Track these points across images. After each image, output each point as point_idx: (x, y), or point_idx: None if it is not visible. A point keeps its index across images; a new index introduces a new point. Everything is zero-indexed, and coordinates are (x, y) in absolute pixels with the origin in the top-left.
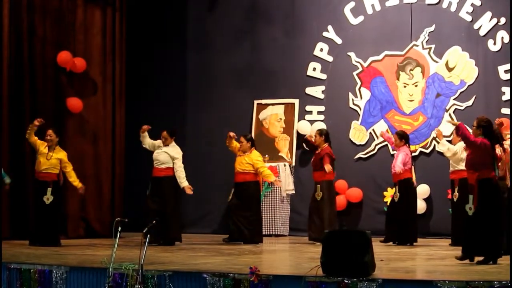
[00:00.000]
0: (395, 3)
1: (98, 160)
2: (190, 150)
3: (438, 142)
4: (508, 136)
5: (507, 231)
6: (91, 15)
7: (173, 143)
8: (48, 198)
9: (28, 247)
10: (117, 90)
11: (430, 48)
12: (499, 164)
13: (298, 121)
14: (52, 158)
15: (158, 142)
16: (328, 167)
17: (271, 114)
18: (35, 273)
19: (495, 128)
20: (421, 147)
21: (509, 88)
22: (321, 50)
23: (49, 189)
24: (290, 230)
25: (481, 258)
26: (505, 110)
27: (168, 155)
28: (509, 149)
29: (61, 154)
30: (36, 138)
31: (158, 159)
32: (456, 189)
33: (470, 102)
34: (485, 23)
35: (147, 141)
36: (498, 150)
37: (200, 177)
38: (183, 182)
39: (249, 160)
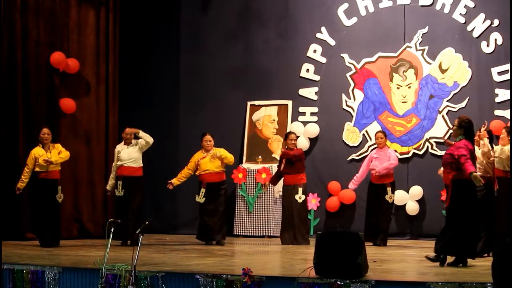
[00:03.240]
0: (388, 5)
1: (91, 160)
2: (183, 151)
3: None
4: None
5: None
6: (85, 15)
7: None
8: (60, 196)
9: (22, 248)
10: (111, 90)
11: (423, 50)
12: (485, 163)
13: (291, 122)
14: (53, 156)
15: (116, 149)
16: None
17: (264, 115)
18: (28, 274)
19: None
20: (414, 148)
21: (502, 89)
22: (315, 51)
23: (59, 188)
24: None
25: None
26: (498, 112)
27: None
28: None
29: (58, 147)
30: (32, 158)
31: (132, 157)
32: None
33: (463, 104)
34: (479, 24)
35: (113, 166)
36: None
37: (193, 178)
38: (141, 134)
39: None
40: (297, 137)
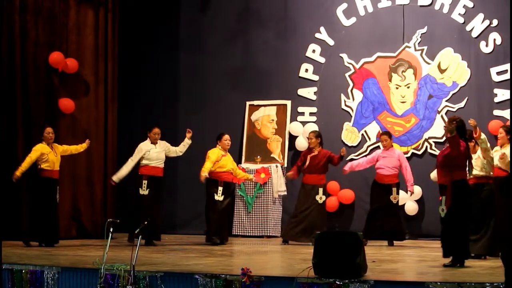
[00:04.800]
0: (387, 5)
1: (90, 160)
2: None
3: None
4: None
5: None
6: (84, 15)
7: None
8: (58, 196)
9: (21, 248)
10: (109, 90)
11: (422, 50)
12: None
13: (290, 122)
14: (58, 155)
15: (143, 147)
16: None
17: (263, 115)
18: (27, 274)
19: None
20: (413, 148)
21: (501, 89)
22: (314, 51)
23: (58, 187)
24: (282, 231)
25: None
26: (497, 112)
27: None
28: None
29: (59, 147)
30: (38, 152)
31: (160, 158)
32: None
33: (462, 104)
34: (477, 24)
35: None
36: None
37: (192, 178)
38: (186, 142)
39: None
40: (317, 135)
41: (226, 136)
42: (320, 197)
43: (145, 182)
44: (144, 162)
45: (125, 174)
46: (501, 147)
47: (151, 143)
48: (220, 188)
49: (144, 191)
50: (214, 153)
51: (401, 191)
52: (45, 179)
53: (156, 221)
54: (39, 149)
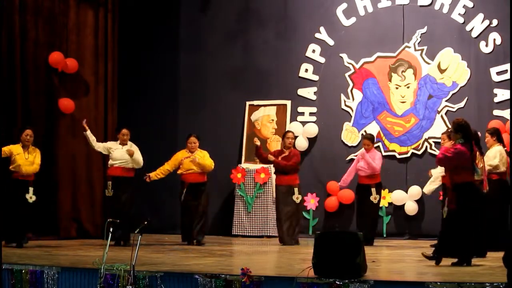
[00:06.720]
0: (387, 5)
1: (90, 160)
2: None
3: None
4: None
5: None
6: (84, 16)
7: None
8: (31, 197)
9: (21, 248)
10: (109, 90)
11: (422, 50)
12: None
13: (290, 122)
14: (29, 158)
15: (109, 144)
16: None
17: (263, 115)
18: (27, 274)
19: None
20: (413, 148)
21: (501, 89)
22: (313, 51)
23: (31, 188)
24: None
25: (453, 260)
26: (497, 112)
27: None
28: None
29: (37, 154)
30: (7, 150)
31: (124, 159)
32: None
33: (462, 104)
34: (477, 24)
35: (99, 144)
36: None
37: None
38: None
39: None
40: (296, 136)
41: (191, 139)
42: (296, 197)
43: (109, 183)
44: (110, 162)
45: (91, 138)
46: (488, 149)
47: (120, 143)
48: (185, 191)
49: (109, 192)
50: (175, 156)
51: (400, 191)
52: (13, 180)
53: (124, 221)
54: (7, 149)
